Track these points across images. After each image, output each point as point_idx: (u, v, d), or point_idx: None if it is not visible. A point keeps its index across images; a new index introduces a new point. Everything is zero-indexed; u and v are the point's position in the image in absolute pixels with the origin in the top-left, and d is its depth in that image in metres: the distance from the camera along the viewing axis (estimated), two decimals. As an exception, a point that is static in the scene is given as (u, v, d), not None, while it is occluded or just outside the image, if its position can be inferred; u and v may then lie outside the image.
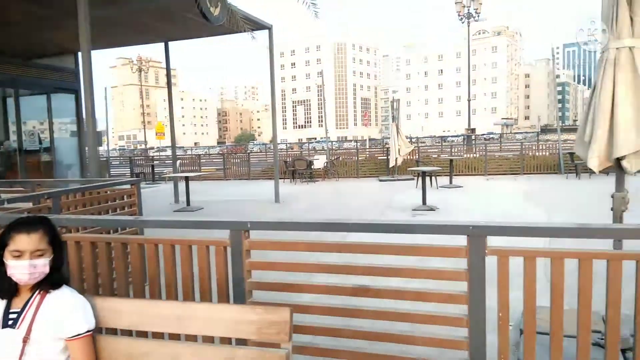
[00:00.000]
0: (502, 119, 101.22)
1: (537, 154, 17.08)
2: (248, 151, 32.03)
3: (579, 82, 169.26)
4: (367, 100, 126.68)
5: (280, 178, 16.62)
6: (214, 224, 2.28)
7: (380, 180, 15.79)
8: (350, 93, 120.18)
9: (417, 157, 17.04)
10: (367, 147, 32.78)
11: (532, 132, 61.08)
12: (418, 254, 2.02)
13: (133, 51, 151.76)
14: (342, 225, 2.12)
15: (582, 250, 1.78)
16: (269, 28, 10.01)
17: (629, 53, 2.77)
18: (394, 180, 15.46)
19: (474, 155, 17.93)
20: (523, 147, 16.91)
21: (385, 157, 16.91)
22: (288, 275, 2.30)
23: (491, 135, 59.71)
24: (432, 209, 9.13)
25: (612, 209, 2.97)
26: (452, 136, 62.74)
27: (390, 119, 16.82)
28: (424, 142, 51.98)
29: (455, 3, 21.09)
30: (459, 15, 21.26)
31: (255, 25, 8.93)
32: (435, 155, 18.87)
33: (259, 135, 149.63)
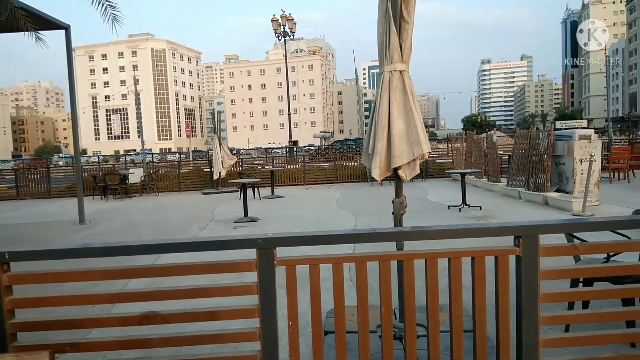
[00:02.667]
0: (321, 132, 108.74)
1: (348, 164, 18.75)
2: (51, 165, 28.02)
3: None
4: (191, 111, 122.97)
5: (88, 195, 15.03)
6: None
7: (204, 193, 15.40)
8: (172, 103, 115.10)
9: (240, 169, 17.11)
10: (191, 159, 31.73)
11: (346, 145, 66.92)
12: (210, 272, 1.96)
13: None
14: (125, 248, 1.93)
15: (357, 255, 1.94)
16: (66, 28, 8.93)
17: (400, 76, 3.17)
18: (218, 192, 15.25)
19: (296, 166, 18.80)
20: (337, 158, 18.35)
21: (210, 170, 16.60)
22: (79, 309, 2.01)
23: (312, 147, 63.60)
24: (253, 220, 9.22)
25: (392, 213, 3.35)
26: (277, 148, 64.99)
27: (214, 130, 16.55)
28: (250, 154, 52.90)
29: (272, 21, 22.01)
30: (275, 32, 22.23)
31: (47, 24, 7.86)
32: (260, 167, 19.24)
33: (66, 147, 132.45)
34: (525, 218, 8.17)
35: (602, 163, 11.09)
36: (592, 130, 9.80)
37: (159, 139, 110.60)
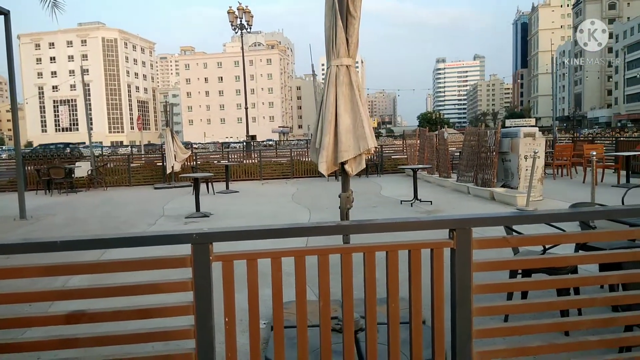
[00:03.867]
0: (279, 127, 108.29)
1: (305, 159, 18.72)
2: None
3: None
4: (144, 103, 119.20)
5: (32, 190, 14.29)
6: None
7: (156, 188, 14.97)
8: (124, 94, 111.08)
9: (193, 163, 16.75)
10: (143, 152, 30.77)
11: (304, 140, 67.00)
12: (143, 268, 1.89)
13: None
14: (48, 244, 1.82)
15: (296, 249, 1.92)
16: (6, 14, 8.41)
17: (347, 70, 3.18)
18: (171, 187, 14.86)
19: (253, 161, 18.59)
20: (293, 153, 18.29)
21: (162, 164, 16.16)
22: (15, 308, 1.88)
23: (270, 142, 63.20)
24: (205, 216, 9.05)
25: (339, 207, 3.37)
26: (234, 142, 64.09)
27: (166, 123, 16.06)
28: (206, 148, 51.90)
29: (228, 12, 21.59)
30: (232, 25, 21.83)
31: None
32: (216, 161, 18.89)
33: (10, 140, 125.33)
34: (472, 212, 8.44)
35: (546, 160, 11.62)
36: (537, 129, 10.23)
37: (110, 132, 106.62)
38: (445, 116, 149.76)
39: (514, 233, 3.40)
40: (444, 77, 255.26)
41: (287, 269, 1.93)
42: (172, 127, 15.04)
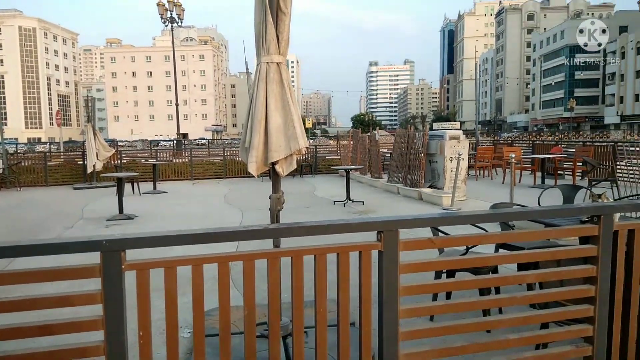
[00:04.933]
0: (213, 125, 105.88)
1: (239, 158, 18.36)
2: None
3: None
4: (66, 97, 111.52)
5: None
6: None
7: (76, 188, 14.02)
8: (44, 88, 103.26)
9: (118, 162, 15.87)
10: (62, 150, 28.71)
11: (239, 139, 66.04)
12: (48, 279, 1.69)
13: None
14: None
15: (219, 255, 1.81)
16: None
17: (277, 68, 3.09)
18: (92, 187, 13.98)
19: (184, 160, 17.95)
20: (226, 152, 17.88)
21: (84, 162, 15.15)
22: None
23: (203, 140, 61.50)
24: (130, 218, 8.57)
25: (269, 209, 3.28)
26: (164, 140, 61.65)
27: (88, 119, 15.06)
28: (134, 146, 49.44)
29: (158, 5, 20.66)
30: (161, 17, 20.93)
31: None
32: (144, 160, 18.03)
33: None
34: (401, 212, 8.68)
35: (469, 162, 12.22)
36: (461, 132, 10.73)
37: (26, 128, 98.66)
38: (378, 118, 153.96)
39: (440, 233, 3.49)
40: (377, 80, 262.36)
41: (214, 272, 1.82)
42: (94, 123, 14.15)
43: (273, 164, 3.18)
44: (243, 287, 1.87)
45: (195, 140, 65.21)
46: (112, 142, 40.71)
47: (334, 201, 10.04)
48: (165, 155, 20.43)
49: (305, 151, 10.21)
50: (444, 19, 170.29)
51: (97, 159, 13.56)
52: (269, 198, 3.28)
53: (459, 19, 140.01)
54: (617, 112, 67.86)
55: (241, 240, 1.87)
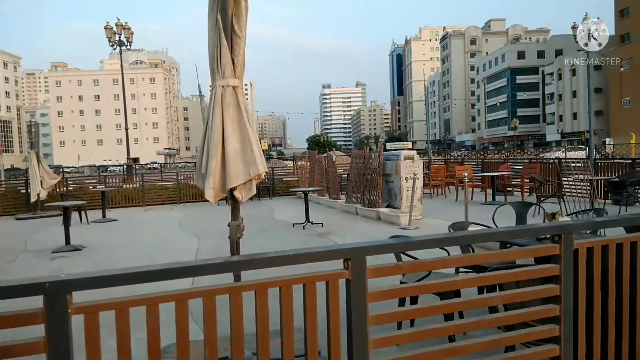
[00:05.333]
0: (165, 148, 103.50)
1: (193, 183, 17.89)
2: None
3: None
4: (7, 122, 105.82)
5: None
6: None
7: (18, 219, 13.18)
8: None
9: (63, 189, 15.08)
10: (4, 178, 27.07)
11: (192, 162, 64.76)
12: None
13: None
14: None
15: (177, 292, 1.69)
16: None
17: (233, 92, 3.02)
18: (36, 217, 13.18)
19: (135, 185, 17.29)
20: (179, 176, 17.41)
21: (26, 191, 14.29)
22: None
23: (155, 165, 59.84)
24: (77, 249, 8.09)
25: (229, 237, 3.15)
26: (113, 165, 59.47)
27: (31, 145, 14.25)
28: (81, 172, 47.32)
29: (105, 29, 20.09)
30: (109, 41, 20.35)
31: None
32: (92, 187, 17.22)
33: None
34: (361, 232, 8.68)
35: (423, 180, 12.47)
36: (415, 152, 10.97)
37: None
38: (333, 139, 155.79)
39: (405, 257, 3.47)
40: (330, 102, 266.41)
41: (171, 305, 1.69)
42: (38, 149, 13.41)
43: (232, 189, 3.07)
44: (203, 323, 1.75)
45: (146, 164, 63.34)
46: (58, 169, 38.87)
47: (293, 224, 9.92)
48: (114, 181, 19.62)
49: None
50: (392, 43, 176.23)
51: (42, 187, 12.81)
52: (228, 226, 3.16)
53: (406, 43, 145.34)
54: (558, 130, 71.97)
55: (199, 275, 1.75)
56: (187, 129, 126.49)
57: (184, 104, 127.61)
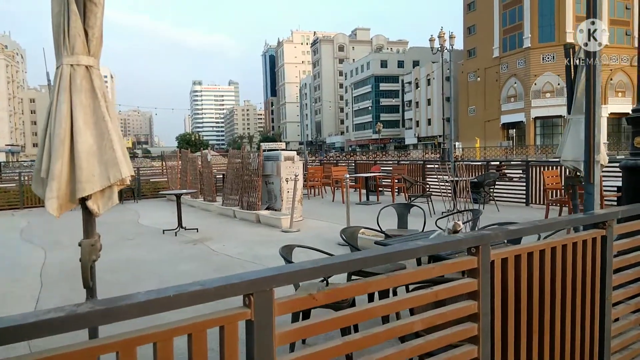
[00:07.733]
0: (7, 145, 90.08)
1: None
2: None
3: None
4: None
5: None
6: None
7: None
8: None
9: None
10: None
11: (42, 161, 57.10)
12: None
13: None
14: None
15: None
16: None
17: (87, 73, 2.33)
18: None
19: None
20: (23, 177, 14.92)
21: None
22: None
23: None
24: None
25: (80, 260, 2.44)
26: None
27: None
28: None
29: None
30: None
31: None
32: None
33: None
34: (241, 238, 8.15)
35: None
36: (295, 152, 10.76)
37: None
38: (205, 138, 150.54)
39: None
40: (202, 100, 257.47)
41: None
42: None
43: (84, 199, 2.38)
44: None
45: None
46: None
47: (164, 230, 8.98)
48: None
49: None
50: (265, 44, 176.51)
51: None
52: (79, 245, 2.45)
53: (279, 45, 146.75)
54: (415, 134, 78.72)
55: (36, 338, 1.15)
56: (35, 123, 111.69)
57: (30, 95, 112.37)
